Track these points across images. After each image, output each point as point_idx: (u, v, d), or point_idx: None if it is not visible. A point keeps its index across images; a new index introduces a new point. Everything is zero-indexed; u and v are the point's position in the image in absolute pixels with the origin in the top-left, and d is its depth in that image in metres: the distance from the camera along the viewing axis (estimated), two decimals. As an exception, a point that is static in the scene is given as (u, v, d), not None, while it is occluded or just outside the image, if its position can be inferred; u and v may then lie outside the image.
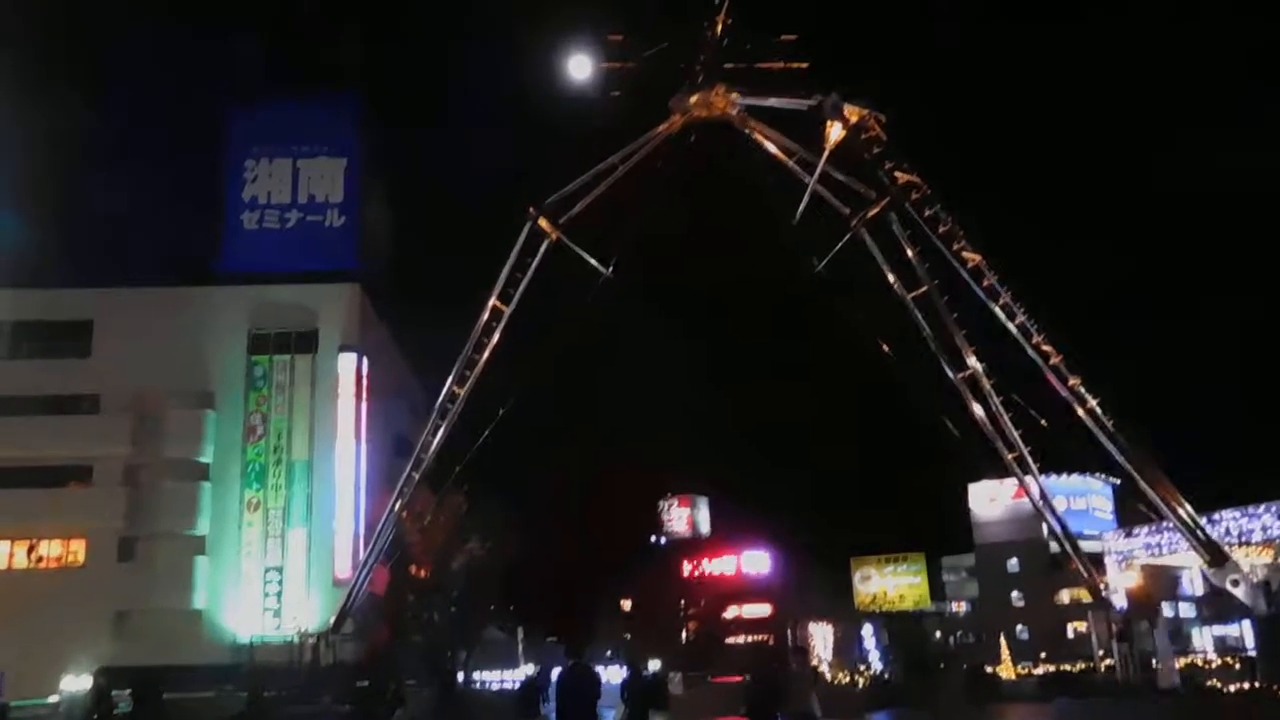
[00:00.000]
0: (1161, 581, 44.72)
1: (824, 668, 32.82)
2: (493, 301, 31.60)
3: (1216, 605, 59.55)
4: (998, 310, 27.13)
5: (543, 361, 33.11)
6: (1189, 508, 24.56)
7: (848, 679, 31.82)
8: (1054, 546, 74.26)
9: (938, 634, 73.94)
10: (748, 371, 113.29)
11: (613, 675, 30.70)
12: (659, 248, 33.54)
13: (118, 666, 31.08)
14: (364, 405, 42.06)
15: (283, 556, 40.60)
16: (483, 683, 40.01)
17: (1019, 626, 68.53)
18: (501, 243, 32.56)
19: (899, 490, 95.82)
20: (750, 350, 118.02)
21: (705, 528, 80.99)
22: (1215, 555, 24.09)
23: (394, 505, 32.76)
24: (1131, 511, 43.64)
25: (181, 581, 39.60)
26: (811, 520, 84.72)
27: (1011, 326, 26.85)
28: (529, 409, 40.57)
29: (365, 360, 42.47)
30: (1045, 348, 26.41)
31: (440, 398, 32.16)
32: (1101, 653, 46.34)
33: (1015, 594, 73.81)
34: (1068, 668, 34.16)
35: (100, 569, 39.19)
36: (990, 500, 76.73)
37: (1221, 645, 49.90)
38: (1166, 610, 30.14)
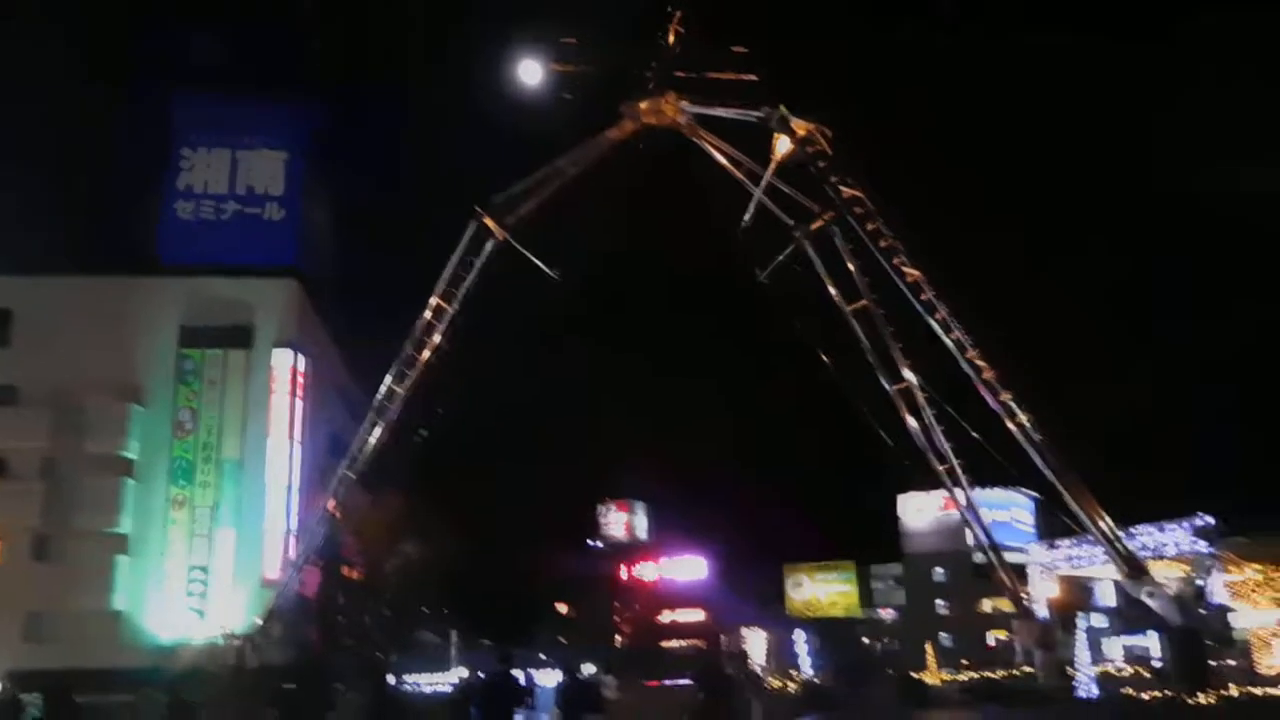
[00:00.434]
0: (1078, 593, 46.15)
1: (759, 672, 33.21)
2: (435, 300, 31.29)
3: (1127, 617, 61.75)
4: (934, 324, 27.80)
5: (484, 364, 32.90)
6: (1109, 521, 25.42)
7: (781, 684, 32.16)
8: (978, 557, 76.60)
9: (865, 640, 75.23)
10: (689, 378, 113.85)
11: (547, 679, 30.71)
12: (606, 251, 33.56)
13: (29, 670, 30.08)
14: (299, 403, 41.25)
15: (209, 556, 39.56)
16: (414, 686, 39.45)
17: (943, 634, 69.89)
18: (448, 244, 32.29)
19: (832, 500, 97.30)
20: (692, 356, 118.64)
21: (643, 533, 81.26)
22: (1133, 568, 24.95)
23: (327, 504, 32.19)
24: (1052, 525, 44.97)
25: (100, 581, 38.33)
26: (746, 528, 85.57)
27: (947, 340, 27.54)
28: (468, 411, 40.29)
29: (302, 357, 41.67)
30: (979, 362, 27.15)
31: (378, 396, 31.72)
32: (1020, 660, 47.66)
33: (940, 602, 75.38)
34: (990, 674, 34.95)
35: (13, 567, 37.68)
36: (919, 511, 78.28)
37: (1130, 655, 51.70)
38: (1081, 621, 31.26)
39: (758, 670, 33.80)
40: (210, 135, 44.60)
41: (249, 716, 25.92)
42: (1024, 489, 70.64)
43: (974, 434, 27.39)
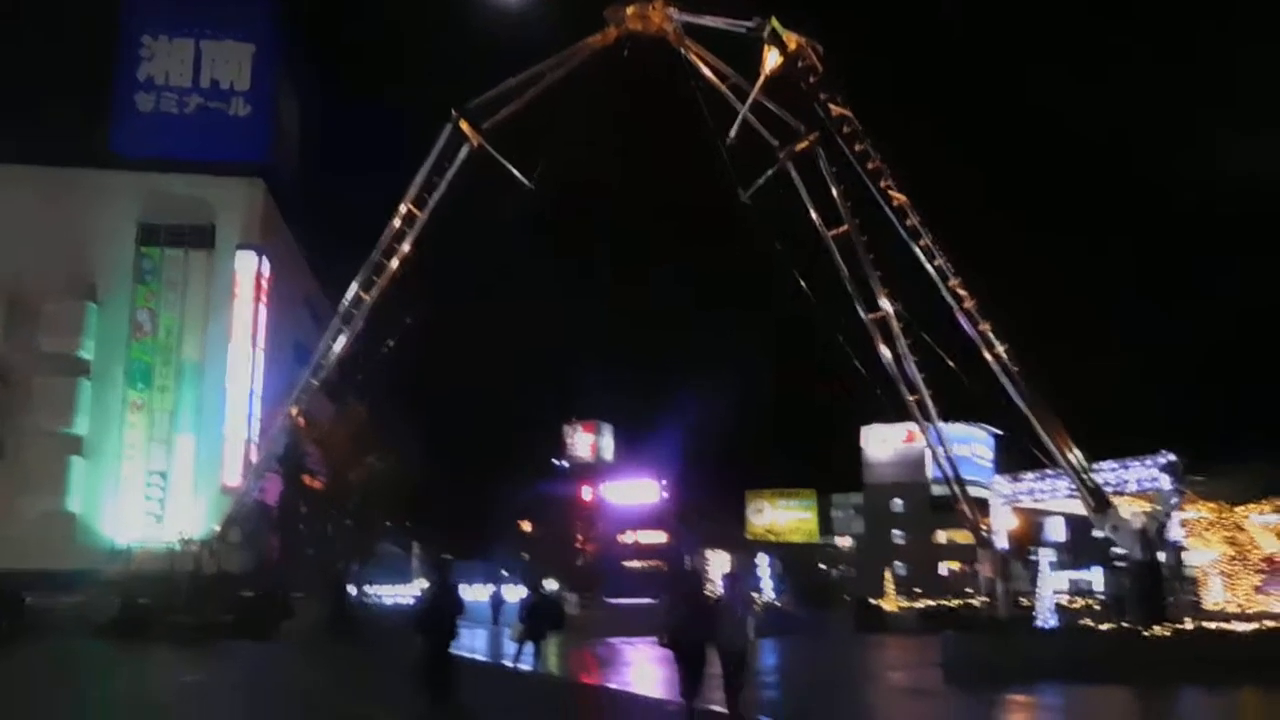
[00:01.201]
0: (1032, 527, 46.92)
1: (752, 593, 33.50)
2: (406, 206, 30.17)
3: (1075, 551, 63.12)
4: (918, 250, 27.19)
5: (455, 275, 31.99)
6: (1079, 454, 25.37)
7: (742, 606, 32.50)
8: (936, 490, 78.18)
9: (821, 565, 76.65)
10: (663, 299, 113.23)
11: (510, 595, 30.51)
12: (584, 165, 32.51)
13: (-20, 569, 29.48)
14: (262, 308, 40.20)
15: (168, 461, 38.89)
16: (375, 598, 39.42)
17: (898, 563, 71.36)
18: (422, 150, 31.03)
19: (796, 429, 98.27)
20: (666, 277, 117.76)
21: (608, 454, 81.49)
22: (1099, 502, 24.96)
23: (287, 411, 31.47)
24: (1009, 461, 45.04)
25: (53, 482, 37.58)
26: (711, 453, 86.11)
27: (930, 267, 26.97)
28: (437, 324, 39.42)
29: (266, 260, 40.47)
30: (960, 291, 26.65)
31: (344, 302, 30.79)
32: (969, 590, 48.47)
33: (897, 532, 76.84)
34: (945, 602, 35.55)
35: (-36, 466, 36.83)
36: (882, 442, 79.35)
37: (1075, 588, 52.98)
38: (1046, 554, 31.74)
39: (752, 591, 34.07)
40: (172, 24, 42.46)
41: (204, 622, 25.64)
42: (986, 425, 71.74)
43: (949, 361, 27.07)
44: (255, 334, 39.83)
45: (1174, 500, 24.88)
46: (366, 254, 30.68)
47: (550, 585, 27.36)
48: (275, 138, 43.57)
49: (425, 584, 13.81)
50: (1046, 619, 23.39)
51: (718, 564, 34.22)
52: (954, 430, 69.56)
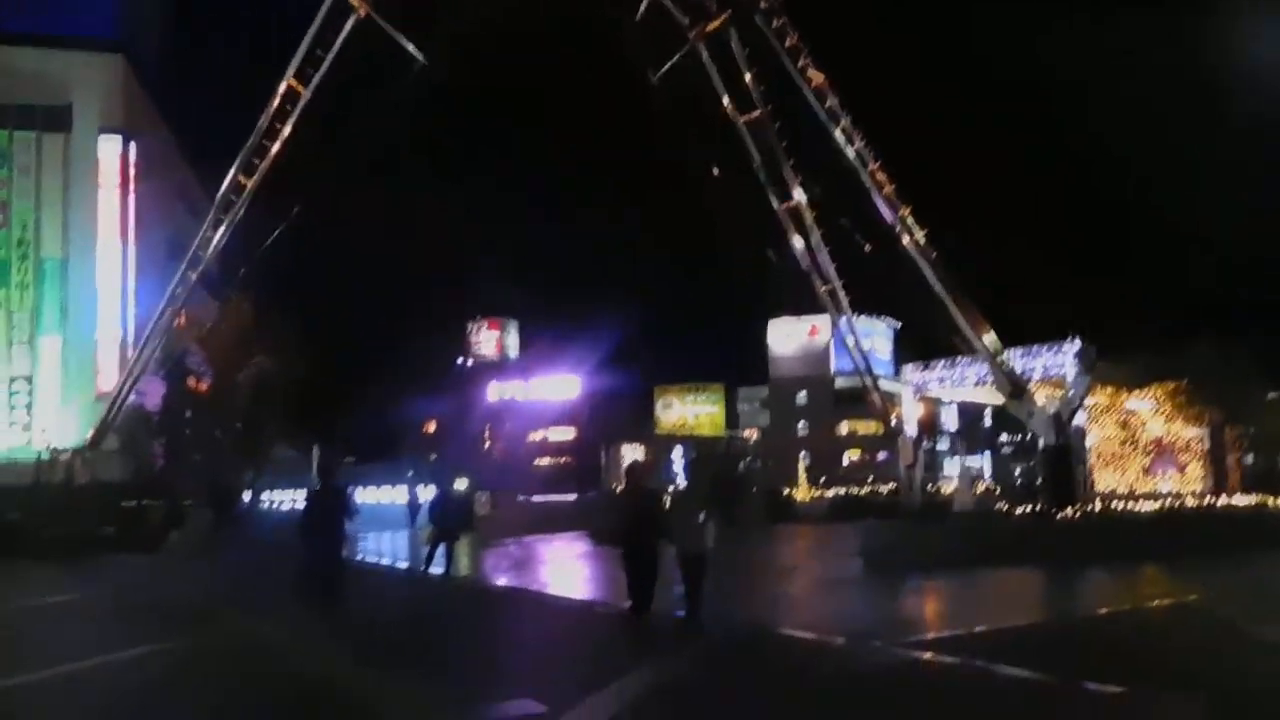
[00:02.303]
0: (931, 416, 47.77)
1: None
2: (287, 81, 27.52)
3: (966, 438, 65.36)
4: (837, 134, 26.16)
5: (343, 160, 29.53)
6: (994, 339, 25.29)
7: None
8: (839, 383, 79.77)
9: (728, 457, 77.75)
10: (566, 189, 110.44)
11: (425, 496, 29.21)
12: (480, 40, 30.05)
13: None
14: (130, 198, 36.81)
15: (32, 365, 35.85)
16: (272, 503, 37.74)
17: (802, 453, 72.85)
18: (306, 21, 28.16)
19: (701, 323, 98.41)
20: (569, 165, 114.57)
21: (514, 351, 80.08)
22: (1015, 387, 25.05)
23: (165, 309, 29.08)
24: (908, 353, 44.83)
25: (-96, 389, 34.37)
26: (619, 348, 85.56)
27: (849, 151, 26.03)
28: (328, 215, 36.85)
29: (132, 145, 36.92)
30: (880, 176, 25.83)
31: (222, 189, 28.21)
32: (871, 479, 49.66)
33: (801, 424, 78.19)
34: (854, 492, 35.94)
35: None
36: (786, 337, 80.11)
37: (967, 474, 54.80)
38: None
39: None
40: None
41: (79, 535, 23.83)
42: (889, 317, 72.74)
43: (866, 246, 26.41)
44: (124, 226, 36.54)
45: (1085, 386, 25.09)
46: (244, 130, 28.11)
47: (461, 485, 26.32)
48: (132, 7, 39.37)
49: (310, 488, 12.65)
50: (965, 503, 23.61)
51: (632, 458, 33.67)
52: (857, 323, 71.00)
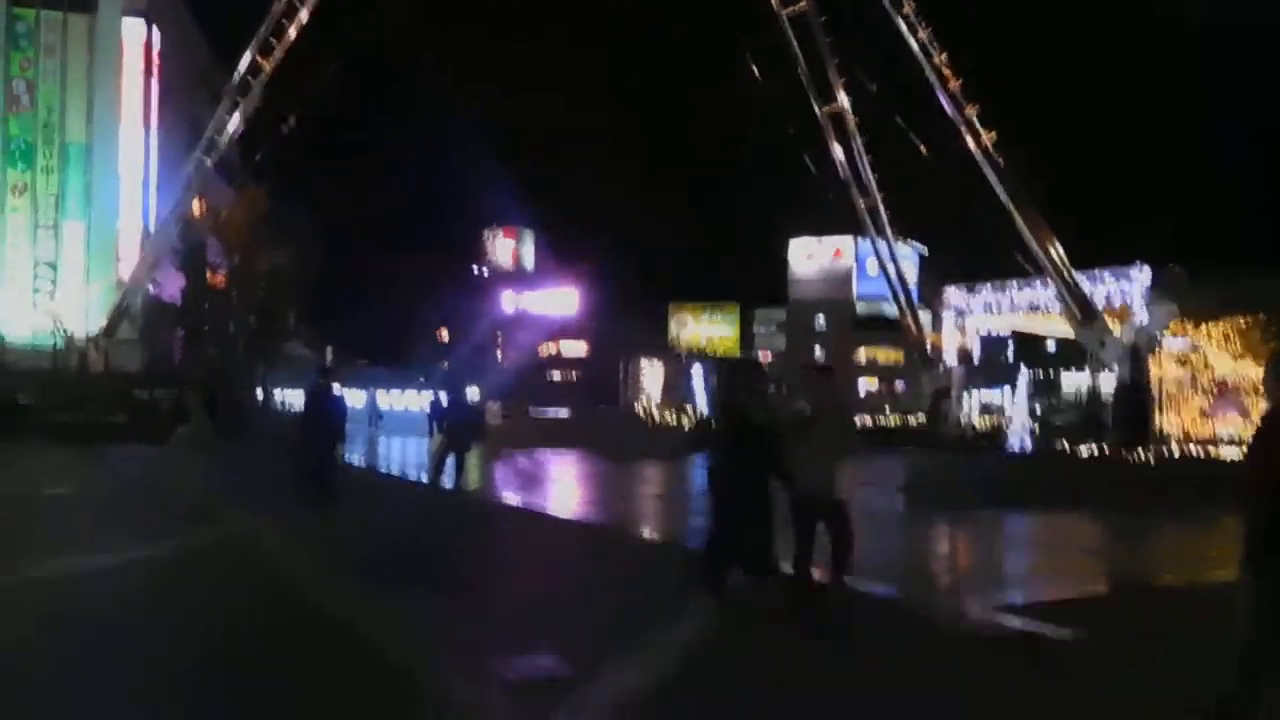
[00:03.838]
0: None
1: (652, 406, 32.52)
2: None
3: (986, 371, 63.81)
4: (900, 22, 24.30)
5: (360, 46, 28.28)
6: (1063, 255, 23.71)
7: (674, 418, 31.66)
8: (860, 308, 78.41)
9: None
10: (585, 97, 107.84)
11: (440, 401, 28.79)
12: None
13: None
14: (153, 82, 35.93)
15: (56, 250, 35.46)
16: (283, 402, 37.50)
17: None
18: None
19: (721, 241, 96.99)
20: (588, 72, 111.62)
21: (529, 262, 79.19)
22: (1086, 312, 23.47)
23: (183, 196, 28.43)
24: (931, 281, 42.71)
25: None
26: (635, 263, 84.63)
27: (912, 41, 24.26)
28: (345, 106, 35.76)
29: (155, 29, 35.83)
30: (946, 70, 24.12)
31: (239, 71, 27.27)
32: (888, 408, 48.36)
33: (819, 349, 77.21)
34: (883, 421, 35.49)
35: None
36: (808, 258, 78.31)
37: (985, 409, 53.79)
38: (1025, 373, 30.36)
39: (650, 404, 33.21)
40: None
41: (91, 422, 23.59)
42: (914, 241, 71.00)
43: (922, 148, 24.88)
44: (147, 112, 35.81)
45: (1167, 315, 23.20)
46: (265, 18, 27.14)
47: (472, 393, 25.91)
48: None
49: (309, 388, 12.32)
50: (1022, 441, 22.13)
51: (651, 375, 33.28)
52: (881, 248, 69.75)
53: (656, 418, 31.56)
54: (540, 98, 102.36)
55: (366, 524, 11.44)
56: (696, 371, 34.26)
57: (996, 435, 23.88)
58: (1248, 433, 27.07)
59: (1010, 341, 51.92)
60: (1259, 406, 27.38)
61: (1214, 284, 26.52)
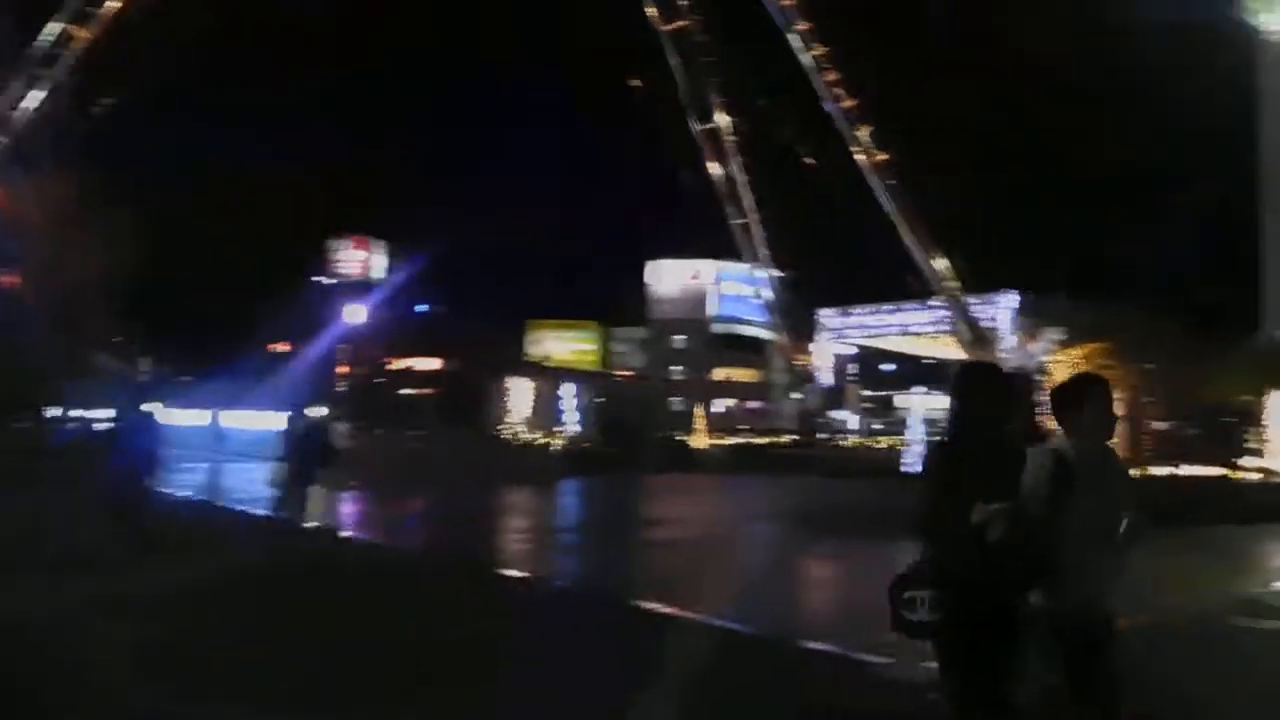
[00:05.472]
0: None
1: (519, 427, 29.84)
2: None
3: (855, 391, 64.89)
4: (793, 37, 23.26)
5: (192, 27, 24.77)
6: (955, 276, 23.34)
7: (541, 440, 29.11)
8: (717, 328, 78.46)
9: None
10: (449, 106, 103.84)
11: (263, 423, 25.49)
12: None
13: None
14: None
15: None
16: (83, 421, 32.49)
17: (676, 398, 71.31)
18: None
19: (580, 260, 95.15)
20: (452, 78, 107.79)
21: (380, 273, 75.06)
22: (977, 334, 23.26)
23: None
24: (792, 303, 42.23)
25: None
26: (492, 279, 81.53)
27: (806, 59, 23.24)
28: (167, 91, 31.68)
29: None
30: (838, 90, 23.14)
31: (45, 37, 23.16)
32: (744, 426, 47.90)
33: (678, 369, 76.50)
34: (753, 440, 33.99)
35: None
36: (667, 278, 78.41)
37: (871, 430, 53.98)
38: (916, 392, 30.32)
39: (519, 425, 30.51)
40: None
41: None
42: (786, 262, 71.18)
43: (810, 160, 23.84)
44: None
45: (1051, 338, 23.38)
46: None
47: (316, 414, 22.54)
48: None
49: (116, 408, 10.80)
50: (917, 461, 21.50)
51: (519, 393, 30.54)
52: (737, 270, 69.61)
53: (524, 439, 29.06)
54: (403, 103, 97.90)
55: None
56: (567, 390, 31.76)
57: (873, 455, 22.97)
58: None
59: (856, 364, 52.46)
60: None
61: (1063, 313, 27.25)
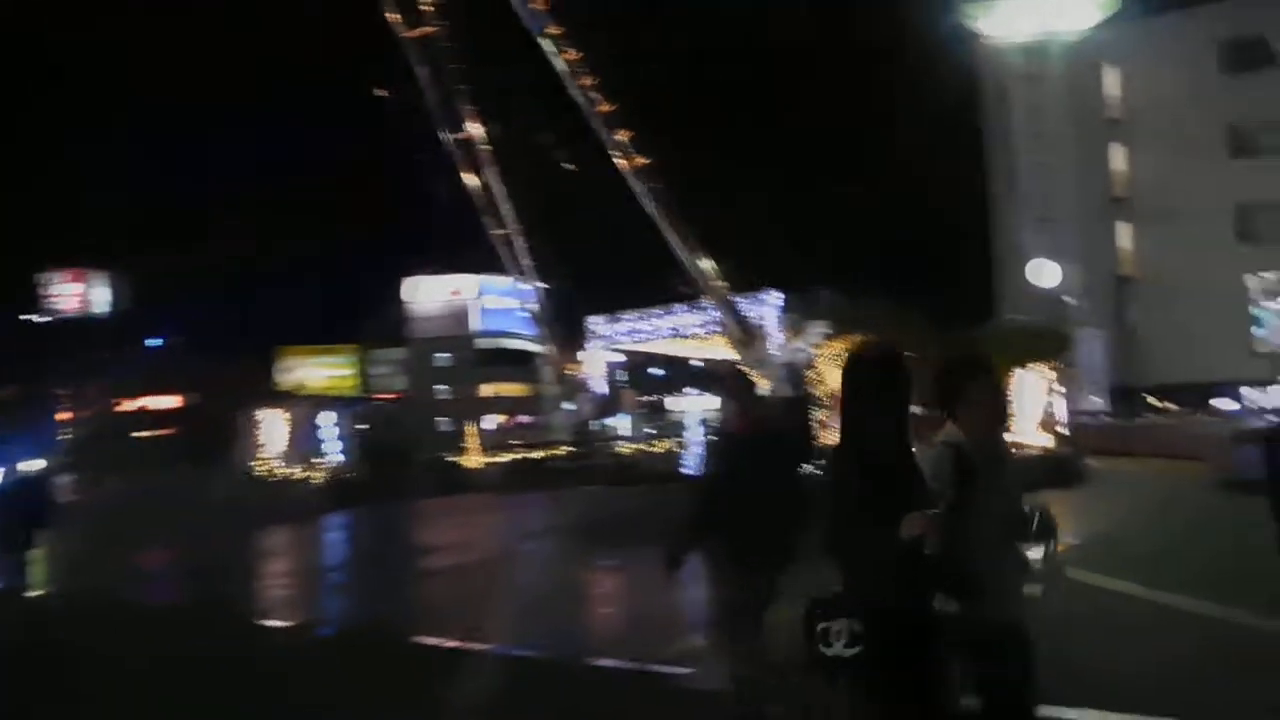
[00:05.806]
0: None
1: (278, 462, 27.69)
2: None
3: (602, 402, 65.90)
4: (544, 41, 22.88)
5: None
6: (723, 277, 23.74)
7: (300, 474, 27.23)
8: (481, 344, 77.31)
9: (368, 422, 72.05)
10: (182, 118, 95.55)
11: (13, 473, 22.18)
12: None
13: None
14: None
15: None
16: None
17: (443, 418, 69.65)
18: None
19: (330, 279, 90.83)
20: (187, 89, 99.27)
21: (103, 307, 68.06)
22: (747, 333, 23.68)
23: None
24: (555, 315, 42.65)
25: None
26: (236, 307, 76.33)
27: (558, 63, 22.91)
28: None
29: None
30: (593, 93, 22.90)
31: None
32: (516, 441, 47.43)
33: (443, 388, 74.85)
34: (529, 455, 33.44)
35: None
36: (426, 296, 76.61)
37: (646, 435, 54.86)
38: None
39: (272, 460, 28.35)
40: None
41: None
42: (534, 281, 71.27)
43: (571, 167, 23.70)
44: None
45: (820, 333, 24.17)
46: None
47: (36, 466, 19.93)
48: None
49: None
50: (696, 465, 21.64)
51: (273, 426, 28.41)
52: (500, 283, 69.11)
53: (282, 475, 27.05)
54: (129, 115, 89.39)
55: None
56: (326, 419, 29.92)
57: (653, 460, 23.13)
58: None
59: (625, 371, 53.57)
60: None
61: (825, 308, 28.88)
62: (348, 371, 77.65)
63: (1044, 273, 38.58)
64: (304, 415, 28.28)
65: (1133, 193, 45.22)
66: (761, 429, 5.36)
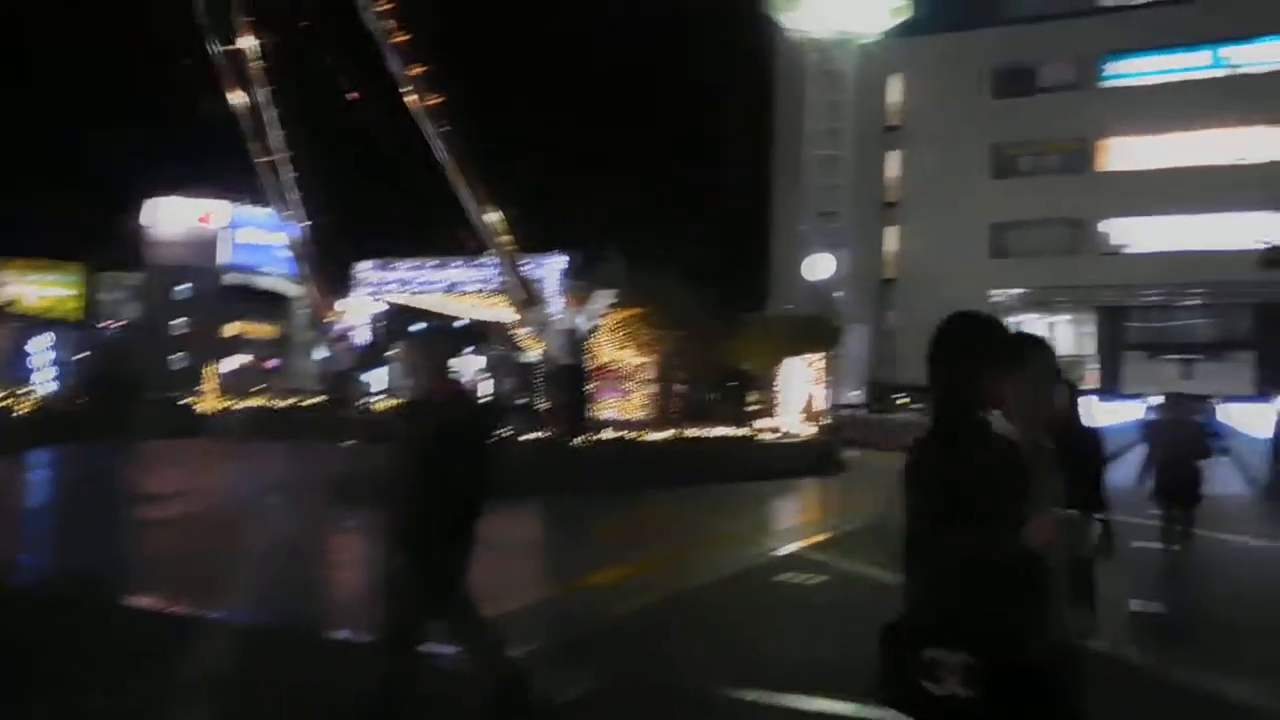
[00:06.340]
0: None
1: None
2: None
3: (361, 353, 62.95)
4: None
5: None
6: (509, 233, 22.57)
7: (6, 401, 23.63)
8: (230, 277, 71.49)
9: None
10: None
11: None
12: None
13: None
14: None
15: None
16: None
17: (178, 354, 64.11)
18: None
19: (57, 189, 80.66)
20: None
21: None
22: (531, 294, 22.70)
23: None
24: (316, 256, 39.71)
25: None
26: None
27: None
28: None
29: None
30: (389, 22, 21.06)
31: None
32: (262, 386, 44.25)
33: (180, 321, 68.80)
34: (273, 403, 31.00)
35: None
36: (170, 220, 70.18)
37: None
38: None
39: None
40: None
41: None
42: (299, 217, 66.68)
43: (353, 95, 21.75)
44: None
45: (607, 301, 23.57)
46: None
47: None
48: None
49: None
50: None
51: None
52: (257, 214, 64.12)
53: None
54: None
55: None
56: (40, 342, 26.15)
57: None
58: (627, 414, 29.35)
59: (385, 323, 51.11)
60: (636, 391, 30.14)
61: (611, 278, 28.47)
62: (70, 292, 69.39)
63: (818, 266, 40.43)
64: (14, 336, 24.58)
65: (902, 198, 48.25)
66: (453, 400, 4.78)
